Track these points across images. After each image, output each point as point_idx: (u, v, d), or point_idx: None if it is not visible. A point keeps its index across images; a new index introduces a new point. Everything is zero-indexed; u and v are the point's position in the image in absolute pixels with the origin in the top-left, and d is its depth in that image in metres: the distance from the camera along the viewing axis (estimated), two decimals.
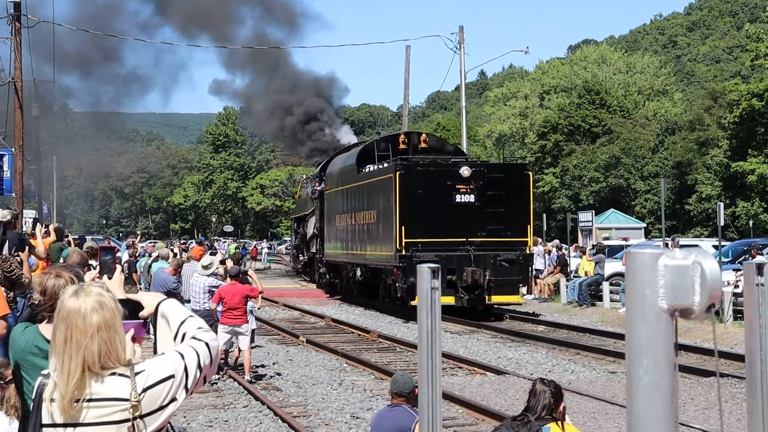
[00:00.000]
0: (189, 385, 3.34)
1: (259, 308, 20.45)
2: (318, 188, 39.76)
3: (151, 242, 56.66)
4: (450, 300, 27.12)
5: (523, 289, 30.20)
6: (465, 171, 27.83)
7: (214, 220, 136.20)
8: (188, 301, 17.42)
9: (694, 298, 2.76)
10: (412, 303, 26.37)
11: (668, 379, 2.71)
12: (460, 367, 18.91)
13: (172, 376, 3.30)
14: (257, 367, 18.61)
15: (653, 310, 2.72)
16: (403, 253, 27.08)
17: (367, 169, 32.27)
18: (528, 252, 28.49)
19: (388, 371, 17.79)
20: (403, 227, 27.30)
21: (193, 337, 3.46)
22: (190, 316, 3.59)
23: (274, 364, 19.60)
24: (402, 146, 33.25)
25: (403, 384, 8.17)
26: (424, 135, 35.04)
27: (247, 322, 17.10)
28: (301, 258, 48.51)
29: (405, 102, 52.67)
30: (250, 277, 19.26)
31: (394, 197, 27.65)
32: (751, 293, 3.30)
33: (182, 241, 70.14)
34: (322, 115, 56.15)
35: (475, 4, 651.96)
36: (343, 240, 34.30)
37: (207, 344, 3.44)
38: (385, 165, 30.12)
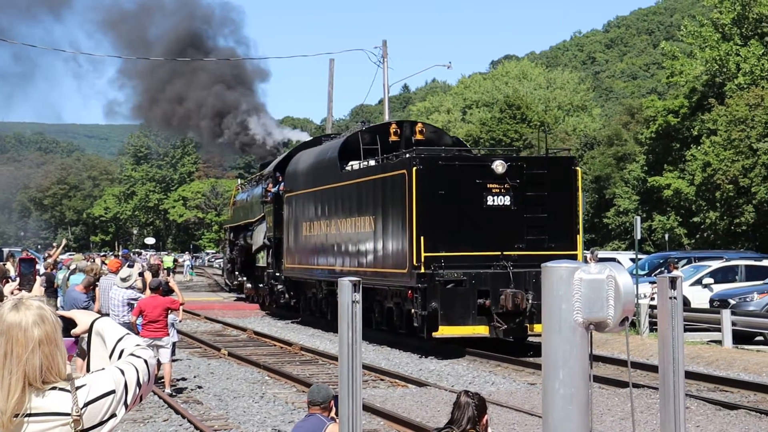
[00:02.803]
0: (128, 402, 3.34)
1: (180, 321, 20.25)
2: (272, 190, 34.26)
3: (70, 254, 55.52)
4: (483, 331, 22.31)
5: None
6: (499, 166, 22.72)
7: (135, 232, 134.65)
8: (107, 315, 17.19)
9: (608, 311, 2.83)
10: (435, 334, 22.14)
11: (583, 391, 2.78)
12: (381, 380, 18.94)
13: (113, 392, 3.29)
14: (178, 380, 18.43)
15: (569, 324, 2.79)
16: (422, 270, 22.00)
17: (353, 166, 27.18)
18: None
19: (310, 383, 17.73)
20: (422, 238, 22.14)
21: (132, 354, 3.46)
22: (128, 333, 3.58)
23: (195, 377, 19.43)
24: (393, 138, 27.84)
25: (318, 393, 8.23)
26: (419, 125, 29.37)
27: (168, 334, 16.93)
28: (237, 273, 43.14)
29: (329, 115, 52.70)
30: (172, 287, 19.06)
31: (408, 200, 22.49)
32: (664, 306, 3.39)
33: (102, 254, 69.07)
34: (238, 108, 50.21)
35: (398, 19, 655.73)
36: (316, 253, 29.10)
37: (146, 361, 3.44)
38: (392, 159, 24.88)
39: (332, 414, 7.99)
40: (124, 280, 17.10)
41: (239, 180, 56.53)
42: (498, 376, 19.52)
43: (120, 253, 52.61)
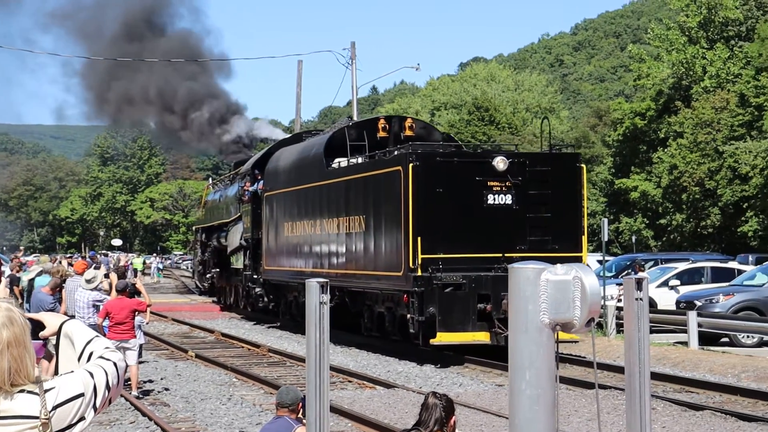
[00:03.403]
0: (97, 405, 3.32)
1: (147, 323, 20.14)
2: (250, 189, 32.86)
3: (35, 256, 55.02)
4: (483, 337, 20.88)
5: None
6: (500, 163, 21.42)
7: (102, 233, 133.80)
8: (73, 317, 17.07)
9: (574, 312, 2.84)
10: (433, 341, 20.78)
11: (549, 391, 2.79)
12: (349, 381, 18.92)
13: (82, 395, 3.27)
14: (144, 382, 18.33)
15: (535, 325, 2.80)
16: (419, 273, 20.74)
17: (340, 163, 25.85)
18: None
19: (278, 385, 17.67)
20: (419, 239, 20.89)
21: (101, 357, 3.43)
22: (97, 336, 3.55)
23: (162, 379, 19.32)
24: (382, 134, 26.65)
25: (286, 395, 8.19)
26: (409, 120, 27.95)
27: (135, 336, 16.84)
28: (208, 275, 41.59)
29: (297, 116, 52.61)
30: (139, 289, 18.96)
31: (403, 198, 21.21)
32: (630, 307, 3.41)
33: (68, 255, 68.57)
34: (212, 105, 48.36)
35: (367, 20, 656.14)
36: (299, 254, 27.96)
37: (115, 364, 3.42)
38: (385, 155, 23.51)
39: (300, 416, 7.97)
40: (89, 281, 16.99)
41: (210, 179, 55.03)
42: (466, 377, 19.54)
43: (87, 255, 52.15)
